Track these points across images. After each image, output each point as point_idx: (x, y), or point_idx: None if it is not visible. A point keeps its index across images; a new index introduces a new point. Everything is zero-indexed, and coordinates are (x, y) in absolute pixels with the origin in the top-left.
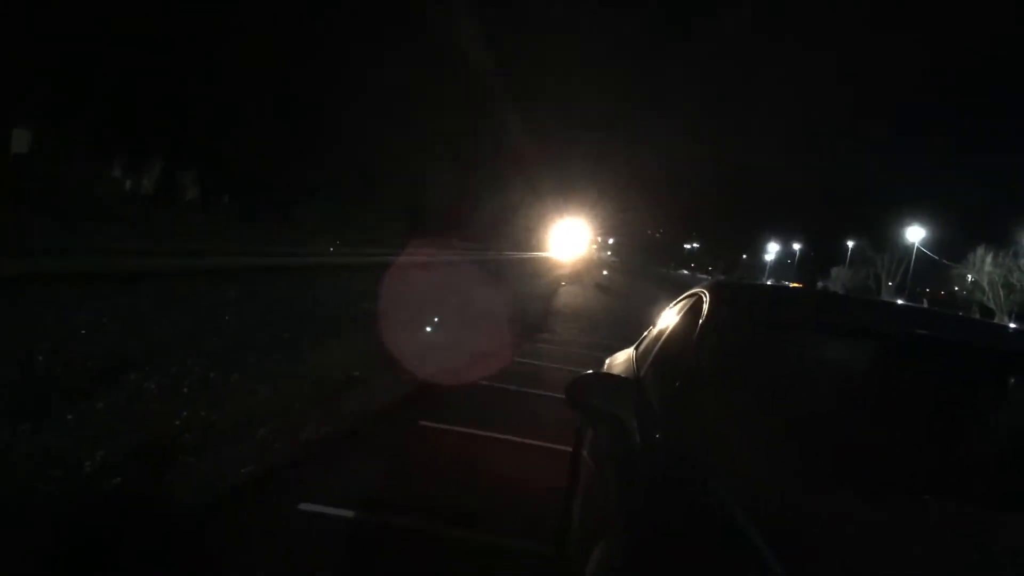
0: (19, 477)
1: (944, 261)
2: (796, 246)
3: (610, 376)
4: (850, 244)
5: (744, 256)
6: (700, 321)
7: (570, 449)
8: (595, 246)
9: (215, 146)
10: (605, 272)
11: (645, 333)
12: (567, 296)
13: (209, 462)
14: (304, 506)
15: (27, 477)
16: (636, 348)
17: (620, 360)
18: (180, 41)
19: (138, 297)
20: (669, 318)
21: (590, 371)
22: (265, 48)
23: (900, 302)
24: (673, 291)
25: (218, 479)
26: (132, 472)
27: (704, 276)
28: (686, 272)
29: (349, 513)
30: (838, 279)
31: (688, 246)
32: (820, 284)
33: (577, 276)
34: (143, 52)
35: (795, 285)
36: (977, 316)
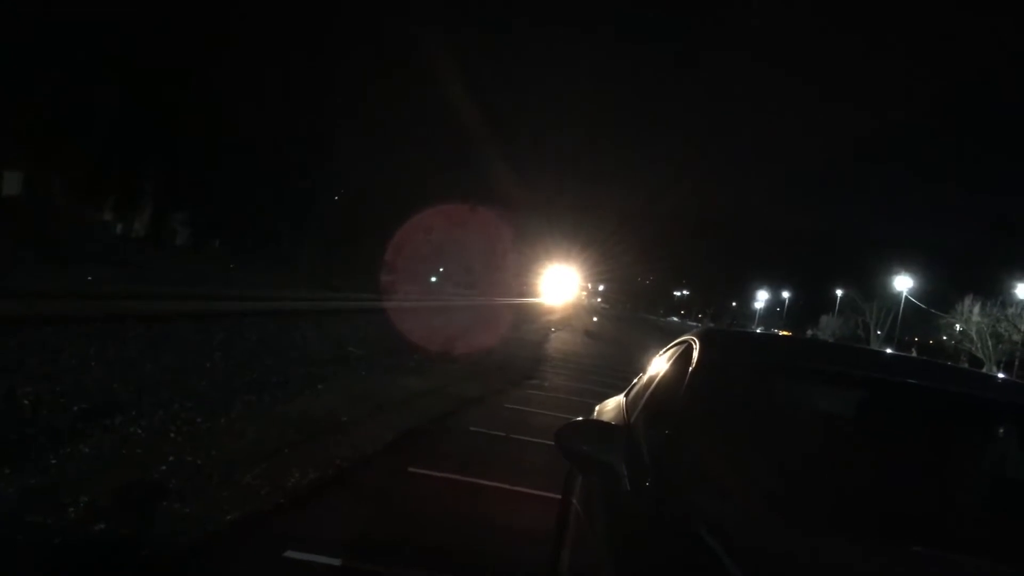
0: None
1: (932, 311)
2: (785, 294)
3: (600, 423)
4: (839, 293)
5: (734, 303)
6: (690, 368)
7: (559, 496)
8: (585, 292)
9: (206, 184)
10: (595, 319)
11: (635, 380)
12: (557, 342)
13: (195, 507)
14: (290, 553)
15: (7, 522)
16: (626, 395)
17: (610, 407)
18: (172, 81)
19: (126, 339)
20: (659, 365)
21: (580, 418)
22: (258, 89)
23: (888, 350)
24: (662, 338)
25: (203, 525)
26: (116, 518)
27: (694, 323)
28: (676, 319)
29: (336, 561)
30: (827, 327)
31: (678, 293)
32: (809, 332)
33: (567, 322)
34: (135, 94)
35: (784, 333)
36: (966, 365)
